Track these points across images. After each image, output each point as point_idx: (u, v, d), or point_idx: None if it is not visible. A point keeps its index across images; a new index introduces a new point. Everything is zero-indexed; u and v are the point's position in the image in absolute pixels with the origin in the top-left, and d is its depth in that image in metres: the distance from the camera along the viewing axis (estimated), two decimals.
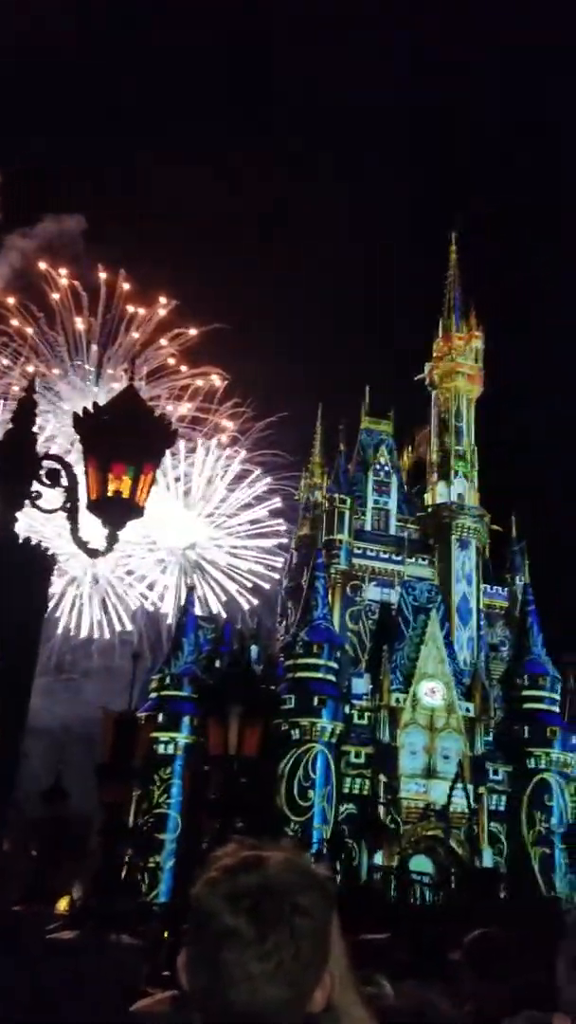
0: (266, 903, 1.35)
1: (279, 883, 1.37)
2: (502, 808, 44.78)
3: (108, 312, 55.65)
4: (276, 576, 57.37)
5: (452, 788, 40.56)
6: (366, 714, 45.14)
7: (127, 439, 4.48)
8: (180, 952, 1.42)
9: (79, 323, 55.47)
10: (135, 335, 55.91)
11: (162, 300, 56.39)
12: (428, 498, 55.66)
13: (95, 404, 4.47)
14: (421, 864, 39.38)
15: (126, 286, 55.57)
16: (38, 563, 3.99)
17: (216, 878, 1.39)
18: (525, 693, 46.53)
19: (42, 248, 56.95)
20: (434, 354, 59.14)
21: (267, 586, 57.31)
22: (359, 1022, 1.67)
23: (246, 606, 56.45)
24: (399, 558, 52.67)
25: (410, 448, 60.62)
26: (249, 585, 57.56)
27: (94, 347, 55.97)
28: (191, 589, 53.38)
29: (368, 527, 54.19)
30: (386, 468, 56.45)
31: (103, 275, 55.33)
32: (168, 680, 47.09)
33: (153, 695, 47.19)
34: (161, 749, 45.41)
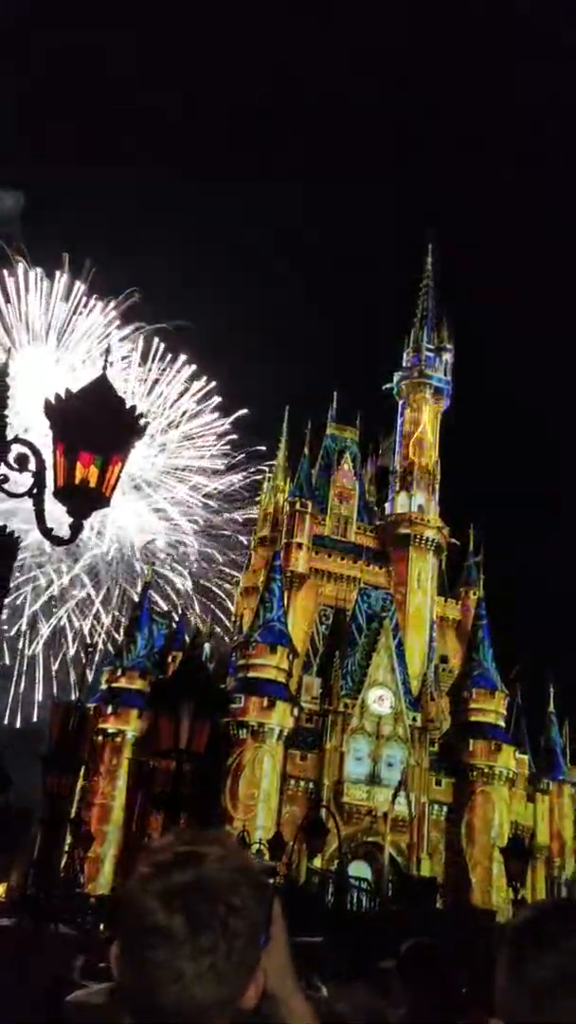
0: (199, 902, 1.33)
1: (213, 881, 1.35)
2: (443, 818, 45.13)
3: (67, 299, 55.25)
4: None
5: (395, 796, 40.80)
6: (314, 717, 45.26)
7: (97, 428, 4.45)
8: (112, 947, 1.39)
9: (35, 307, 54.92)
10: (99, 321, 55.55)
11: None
12: (389, 507, 55.94)
13: (67, 390, 4.43)
14: (360, 870, 39.57)
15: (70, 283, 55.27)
16: (1, 546, 3.96)
17: (149, 874, 1.36)
18: (472, 706, 46.95)
19: None
20: (403, 364, 59.43)
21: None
22: (298, 1012, 1.68)
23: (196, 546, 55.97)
24: (356, 565, 52.88)
25: (374, 456, 60.92)
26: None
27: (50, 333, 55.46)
28: (147, 584, 53.10)
29: (328, 532, 54.35)
30: (349, 475, 56.67)
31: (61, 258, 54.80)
32: (120, 672, 46.84)
33: (104, 686, 46.94)
34: (109, 740, 45.17)
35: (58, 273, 54.93)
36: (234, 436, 58.64)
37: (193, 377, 58.14)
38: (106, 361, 5.24)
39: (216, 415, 58.73)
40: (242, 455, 59.14)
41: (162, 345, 57.36)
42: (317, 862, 34.27)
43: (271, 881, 1.57)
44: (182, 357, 57.69)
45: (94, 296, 55.50)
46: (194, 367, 58.06)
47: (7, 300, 54.28)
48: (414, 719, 45.90)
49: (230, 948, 1.32)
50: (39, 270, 54.81)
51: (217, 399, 58.68)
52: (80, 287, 55.14)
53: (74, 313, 55.31)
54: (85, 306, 55.52)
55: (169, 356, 57.65)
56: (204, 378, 58.26)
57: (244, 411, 59.19)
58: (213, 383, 58.54)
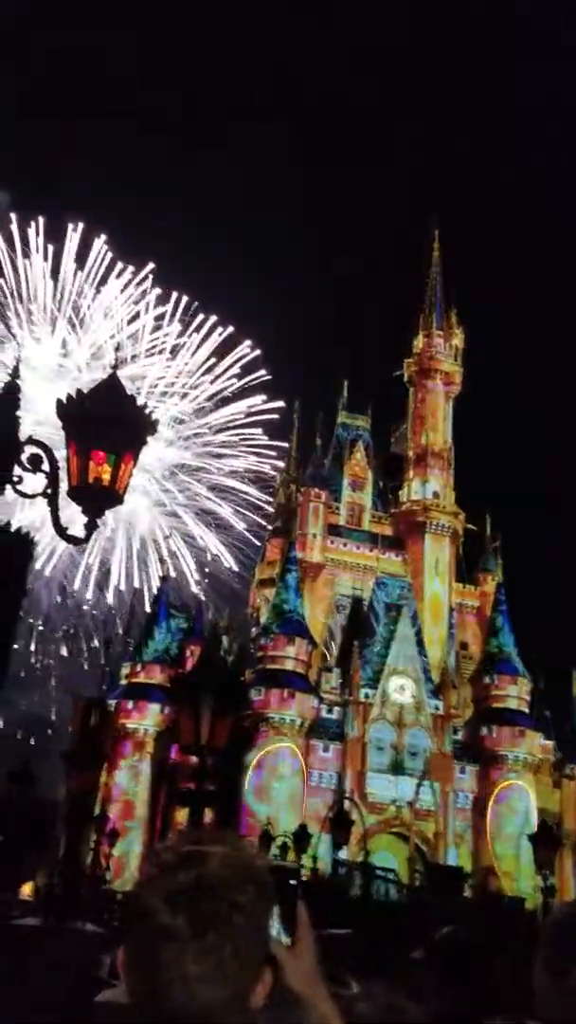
0: (204, 902, 1.33)
1: (217, 880, 1.35)
2: (468, 806, 45.07)
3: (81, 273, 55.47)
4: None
5: (419, 785, 40.78)
6: (335, 708, 45.26)
7: (109, 427, 4.45)
8: (119, 950, 1.39)
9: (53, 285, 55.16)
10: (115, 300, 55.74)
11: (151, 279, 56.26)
12: (403, 495, 55.79)
13: (78, 391, 4.44)
14: (386, 860, 39.54)
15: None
16: (17, 547, 3.96)
17: (154, 875, 1.37)
18: (494, 692, 46.82)
19: None
20: (414, 351, 59.22)
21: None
22: (327, 1016, 1.67)
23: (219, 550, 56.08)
24: (372, 553, 52.79)
25: (387, 444, 60.77)
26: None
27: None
28: (164, 578, 53.24)
29: (343, 522, 54.28)
30: (362, 463, 56.52)
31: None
32: (139, 668, 47.00)
33: (124, 682, 47.11)
34: (130, 736, 45.35)
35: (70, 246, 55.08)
36: (255, 432, 58.58)
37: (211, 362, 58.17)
38: (116, 360, 5.23)
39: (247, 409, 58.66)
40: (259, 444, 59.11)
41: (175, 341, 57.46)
42: (343, 853, 34.32)
43: (294, 882, 1.56)
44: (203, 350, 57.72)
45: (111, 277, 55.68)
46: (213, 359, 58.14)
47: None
48: (436, 707, 45.83)
49: (235, 947, 1.32)
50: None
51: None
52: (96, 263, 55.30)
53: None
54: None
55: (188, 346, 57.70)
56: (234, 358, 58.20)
57: (280, 403, 58.88)
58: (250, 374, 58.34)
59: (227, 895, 1.34)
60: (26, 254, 55.12)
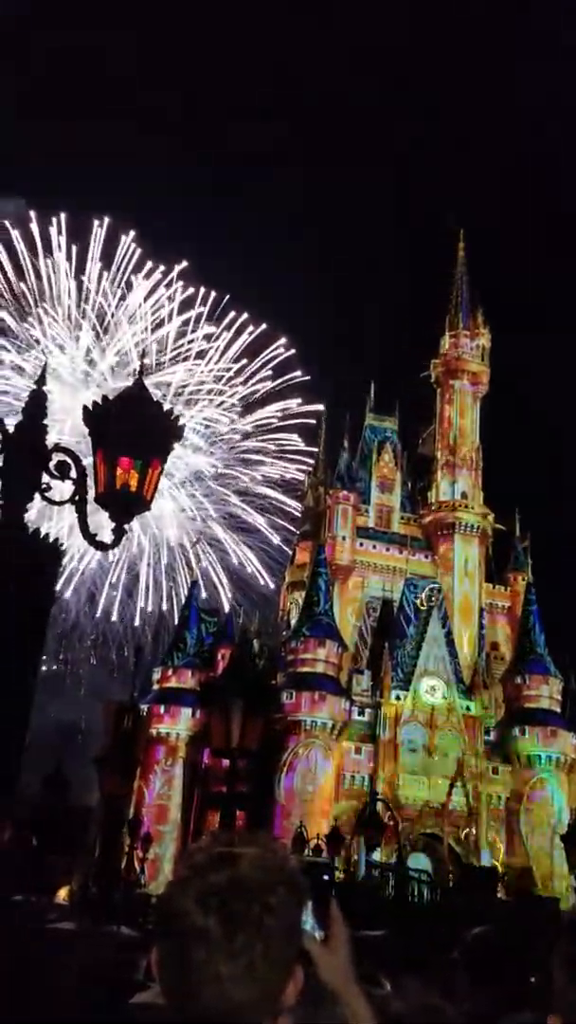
0: (235, 903, 1.34)
1: (249, 882, 1.36)
2: (501, 807, 44.77)
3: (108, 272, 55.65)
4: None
5: (451, 786, 40.58)
6: (366, 710, 45.15)
7: (135, 433, 4.48)
8: (152, 951, 1.42)
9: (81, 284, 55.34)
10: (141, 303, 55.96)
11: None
12: (432, 496, 55.56)
13: (104, 397, 4.48)
14: (419, 862, 39.39)
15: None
16: (46, 554, 4.01)
17: (186, 876, 1.38)
18: (526, 692, 46.49)
19: None
20: (440, 352, 58.99)
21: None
22: (360, 1012, 1.68)
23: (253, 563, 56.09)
24: (401, 555, 52.63)
25: (414, 445, 60.57)
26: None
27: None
28: (194, 583, 53.43)
29: (371, 524, 54.14)
30: (390, 465, 56.36)
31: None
32: (171, 672, 47.17)
33: (155, 687, 47.30)
34: (163, 740, 45.52)
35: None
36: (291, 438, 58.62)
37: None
38: (142, 367, 5.27)
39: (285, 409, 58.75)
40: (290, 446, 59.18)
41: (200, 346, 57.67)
42: (376, 855, 34.21)
43: (327, 878, 1.58)
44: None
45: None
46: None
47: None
48: (467, 708, 45.59)
49: (266, 948, 1.34)
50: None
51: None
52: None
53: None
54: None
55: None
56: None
57: (319, 407, 58.83)
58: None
59: (258, 896, 1.35)
60: (48, 254, 55.22)
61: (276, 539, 58.18)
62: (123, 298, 56.14)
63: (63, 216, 55.56)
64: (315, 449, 58.75)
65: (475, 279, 61.39)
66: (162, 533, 56.82)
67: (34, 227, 55.14)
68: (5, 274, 55.00)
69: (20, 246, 55.01)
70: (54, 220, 55.32)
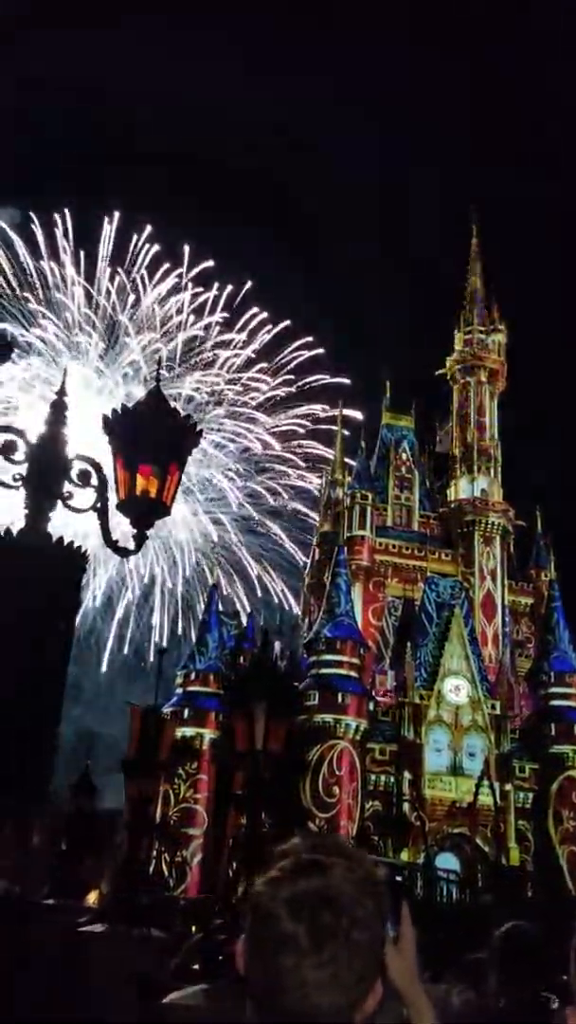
0: (325, 914, 1.37)
1: (339, 894, 1.39)
2: (528, 806, 44.54)
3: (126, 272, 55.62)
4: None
5: (478, 785, 40.42)
6: (390, 711, 45.07)
7: (153, 440, 4.53)
8: (239, 941, 1.46)
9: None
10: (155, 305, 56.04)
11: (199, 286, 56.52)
12: (451, 493, 55.39)
13: (123, 405, 4.55)
14: (447, 862, 39.29)
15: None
16: (71, 561, 4.07)
17: (277, 879, 1.41)
18: (551, 690, 46.23)
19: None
20: (455, 348, 58.80)
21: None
22: (424, 1012, 1.76)
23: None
24: (422, 554, 52.49)
25: (432, 443, 60.36)
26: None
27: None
28: (215, 586, 53.51)
29: (390, 523, 54.03)
30: (408, 464, 56.22)
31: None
32: (193, 676, 47.27)
33: (179, 691, 47.41)
34: (187, 744, 45.61)
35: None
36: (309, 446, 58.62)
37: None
38: (159, 373, 5.32)
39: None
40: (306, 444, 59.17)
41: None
42: (403, 856, 34.18)
43: (400, 879, 1.62)
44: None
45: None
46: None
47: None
48: (492, 706, 45.40)
49: (351, 959, 1.37)
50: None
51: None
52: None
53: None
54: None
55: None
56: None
57: (356, 414, 58.71)
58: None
59: (347, 910, 1.38)
60: (55, 256, 55.29)
61: (288, 545, 58.19)
62: (137, 302, 56.30)
63: (67, 215, 55.44)
64: (330, 454, 58.71)
65: (491, 273, 61.18)
66: (180, 536, 56.98)
67: (37, 230, 55.31)
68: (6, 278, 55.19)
69: (21, 249, 55.20)
70: (59, 222, 55.34)
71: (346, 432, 57.52)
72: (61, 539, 4.05)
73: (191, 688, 46.95)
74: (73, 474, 4.24)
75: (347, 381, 57.74)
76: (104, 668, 61.78)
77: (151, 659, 56.71)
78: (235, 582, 58.31)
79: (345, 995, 1.37)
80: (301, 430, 57.98)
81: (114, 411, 4.52)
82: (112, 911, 10.96)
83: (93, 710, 58.53)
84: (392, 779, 43.27)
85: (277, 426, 58.11)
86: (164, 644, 54.06)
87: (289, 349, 57.93)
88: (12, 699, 3.62)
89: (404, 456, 56.21)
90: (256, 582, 58.32)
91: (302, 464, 58.15)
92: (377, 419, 58.11)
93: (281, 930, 1.36)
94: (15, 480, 4.11)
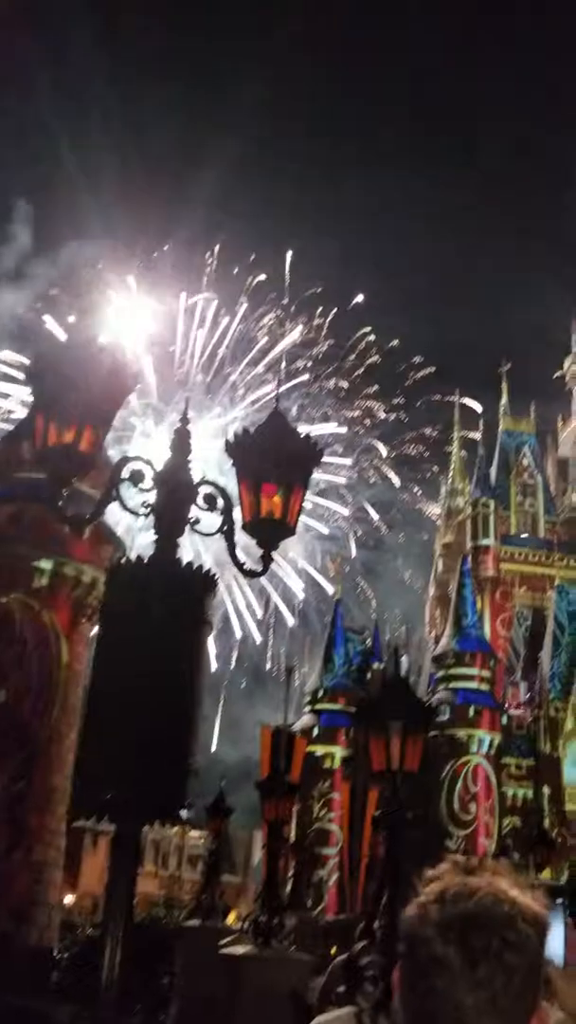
0: (473, 936, 1.35)
1: (488, 916, 1.37)
2: None
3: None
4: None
5: None
6: (525, 724, 43.91)
7: (276, 462, 4.58)
8: (395, 971, 1.45)
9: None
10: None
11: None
12: (575, 498, 53.81)
13: (245, 429, 4.63)
14: None
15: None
16: (200, 585, 4.14)
17: (427, 904, 1.40)
18: None
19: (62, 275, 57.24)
20: (572, 348, 57.34)
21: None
22: None
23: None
24: (549, 561, 51.08)
25: (554, 447, 58.87)
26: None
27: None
28: (338, 601, 53.45)
29: (514, 531, 52.84)
30: (530, 469, 54.90)
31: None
32: (322, 694, 47.26)
33: (307, 709, 47.50)
34: (319, 763, 45.58)
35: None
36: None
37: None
38: (278, 396, 5.40)
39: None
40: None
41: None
42: (545, 875, 33.10)
43: (561, 900, 1.56)
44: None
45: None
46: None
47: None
48: None
49: (508, 982, 1.34)
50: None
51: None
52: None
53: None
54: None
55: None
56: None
57: (471, 434, 58.26)
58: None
59: (498, 932, 1.36)
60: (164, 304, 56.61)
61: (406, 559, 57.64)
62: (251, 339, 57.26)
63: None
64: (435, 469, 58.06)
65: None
66: (299, 554, 57.34)
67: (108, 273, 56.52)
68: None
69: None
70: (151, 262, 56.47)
71: (472, 435, 56.74)
72: (191, 563, 4.13)
73: (320, 706, 46.94)
74: (199, 499, 4.33)
75: (472, 403, 57.01)
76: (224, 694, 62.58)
77: (273, 677, 57.00)
78: (361, 600, 58.15)
79: (505, 1019, 1.33)
80: (415, 453, 57.61)
81: (236, 434, 4.60)
82: (254, 932, 11.02)
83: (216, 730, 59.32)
84: (530, 794, 42.08)
85: (393, 452, 57.89)
86: (292, 662, 54.28)
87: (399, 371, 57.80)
88: (156, 731, 3.69)
89: (525, 461, 54.93)
90: (372, 602, 57.97)
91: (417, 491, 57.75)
92: (496, 423, 57.05)
93: (431, 953, 1.35)
94: (144, 507, 4.23)
